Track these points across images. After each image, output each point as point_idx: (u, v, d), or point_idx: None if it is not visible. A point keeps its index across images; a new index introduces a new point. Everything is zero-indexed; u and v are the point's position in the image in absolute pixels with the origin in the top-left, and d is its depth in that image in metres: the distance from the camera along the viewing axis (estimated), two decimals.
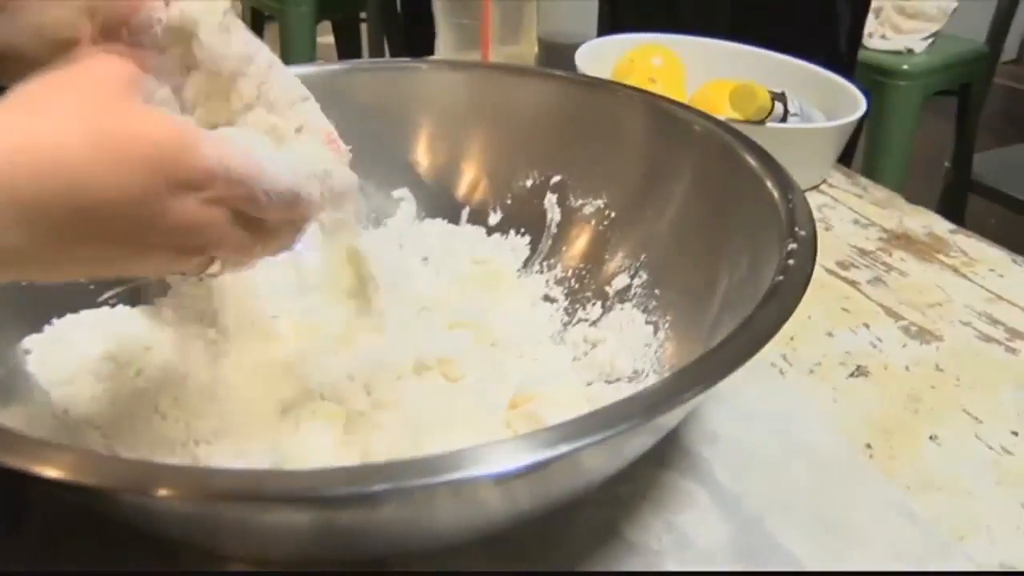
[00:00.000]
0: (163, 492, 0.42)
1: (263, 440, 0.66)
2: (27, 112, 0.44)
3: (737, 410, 0.75)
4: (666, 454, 0.69)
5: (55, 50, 0.50)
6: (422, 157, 0.96)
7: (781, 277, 0.58)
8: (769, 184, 0.70)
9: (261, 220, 0.52)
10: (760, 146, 0.74)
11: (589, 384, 0.74)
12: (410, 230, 0.94)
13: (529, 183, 0.93)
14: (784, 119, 1.11)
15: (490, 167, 0.95)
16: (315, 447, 0.65)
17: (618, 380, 0.74)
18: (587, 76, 1.05)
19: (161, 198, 0.46)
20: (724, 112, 1.08)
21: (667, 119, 0.83)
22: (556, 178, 0.91)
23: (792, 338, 0.84)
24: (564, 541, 0.62)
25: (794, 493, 0.67)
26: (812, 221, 0.65)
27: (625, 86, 0.92)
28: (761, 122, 1.09)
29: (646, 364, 0.74)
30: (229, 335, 0.74)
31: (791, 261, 0.60)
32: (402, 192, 0.95)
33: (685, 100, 1.19)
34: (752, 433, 0.73)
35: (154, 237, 0.48)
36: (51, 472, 0.43)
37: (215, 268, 0.54)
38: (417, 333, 0.76)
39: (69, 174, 0.43)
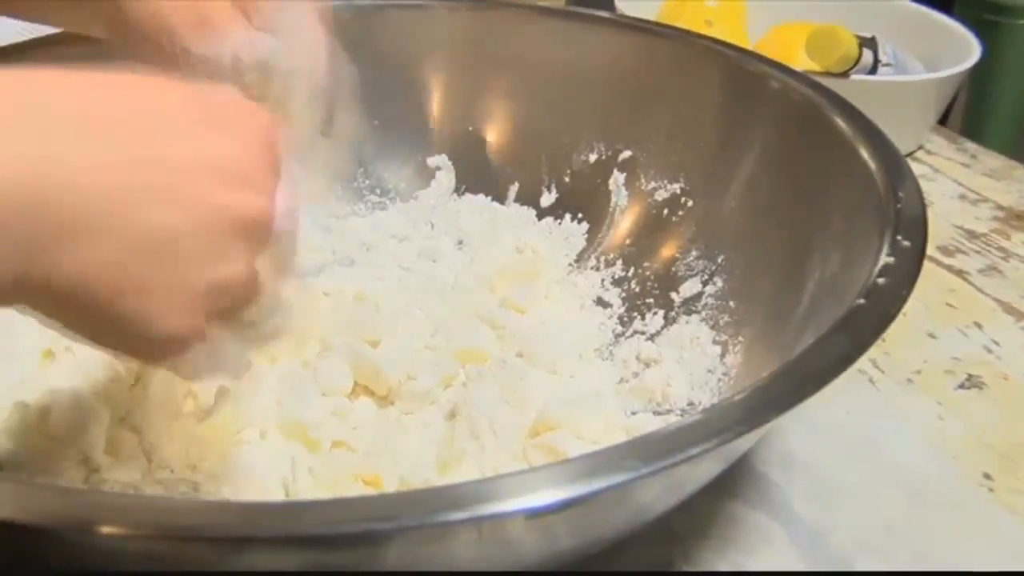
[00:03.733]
0: (110, 529, 0.38)
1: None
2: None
3: (817, 426, 0.71)
4: (730, 479, 0.66)
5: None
6: (464, 117, 0.92)
7: (889, 258, 0.55)
8: (861, 155, 0.66)
9: None
10: (856, 109, 0.70)
11: (633, 414, 0.71)
12: (445, 206, 0.91)
13: (593, 158, 0.88)
14: (874, 70, 1.05)
15: (548, 134, 0.90)
16: (270, 482, 0.63)
17: (669, 412, 0.70)
18: (663, 26, 0.98)
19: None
20: (798, 62, 1.02)
21: (754, 79, 0.79)
22: (626, 154, 0.86)
23: (884, 339, 0.76)
24: None
25: (891, 532, 0.63)
26: (920, 193, 0.61)
27: (703, 36, 0.88)
28: (845, 74, 1.02)
29: (705, 395, 0.70)
30: None
31: (891, 259, 0.56)
32: (439, 160, 0.92)
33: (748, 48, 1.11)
34: (836, 456, 0.69)
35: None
36: None
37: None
38: (421, 335, 0.74)
39: None
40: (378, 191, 0.91)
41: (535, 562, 0.52)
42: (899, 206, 0.60)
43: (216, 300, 0.45)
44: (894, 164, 0.64)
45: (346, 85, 0.65)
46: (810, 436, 0.70)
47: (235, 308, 0.48)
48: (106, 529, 0.38)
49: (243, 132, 0.46)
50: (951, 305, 0.85)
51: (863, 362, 0.74)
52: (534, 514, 0.41)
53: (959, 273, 0.89)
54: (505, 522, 0.41)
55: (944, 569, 0.61)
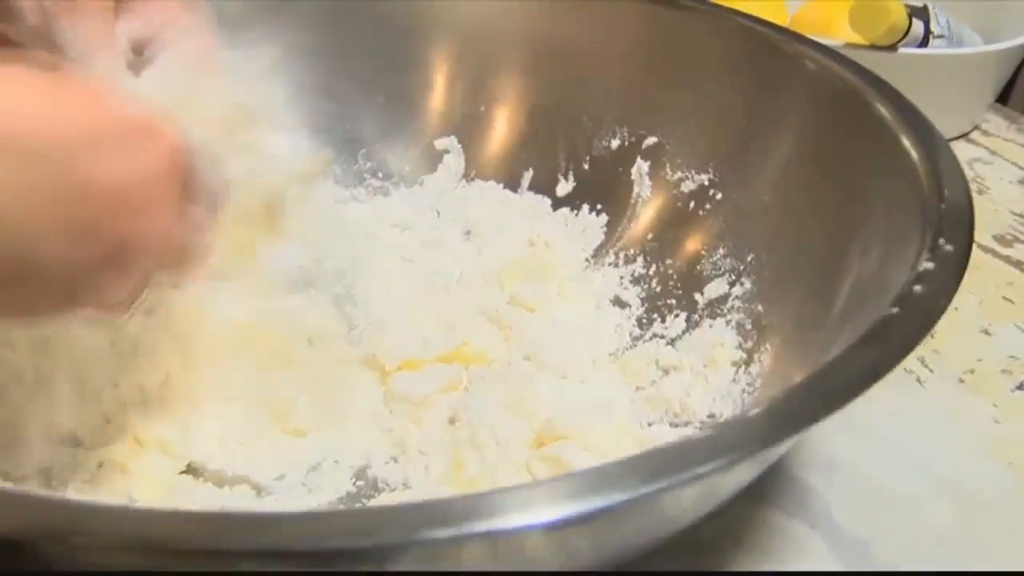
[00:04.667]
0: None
1: None
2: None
3: (860, 428, 0.69)
4: (764, 484, 0.64)
5: None
6: (475, 96, 0.89)
7: (928, 264, 0.52)
8: (904, 145, 0.63)
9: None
10: (900, 94, 0.67)
11: (648, 425, 0.69)
12: (453, 193, 0.88)
13: (615, 143, 0.85)
14: (925, 42, 1.01)
15: (566, 116, 0.87)
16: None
17: (687, 424, 0.68)
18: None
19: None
20: (841, 34, 0.99)
21: (790, 61, 0.75)
22: (651, 140, 0.83)
23: (933, 335, 0.75)
24: None
25: (941, 543, 0.62)
26: (967, 191, 0.58)
27: (736, 12, 0.83)
28: (893, 47, 0.98)
29: (727, 407, 0.67)
30: None
31: (930, 265, 0.53)
32: (447, 142, 0.89)
33: (786, 21, 1.11)
34: (881, 460, 0.68)
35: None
36: None
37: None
38: (419, 328, 0.72)
39: None
40: (380, 175, 0.88)
41: None
42: (943, 205, 0.57)
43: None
44: (940, 156, 0.61)
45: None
46: (852, 439, 0.68)
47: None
48: (88, 540, 0.36)
49: (144, 152, 0.44)
50: (1008, 299, 0.83)
51: (910, 360, 0.73)
52: (555, 528, 0.39)
53: (1017, 264, 0.87)
54: (523, 536, 0.40)
55: None
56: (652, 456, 0.41)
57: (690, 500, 0.49)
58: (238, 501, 0.61)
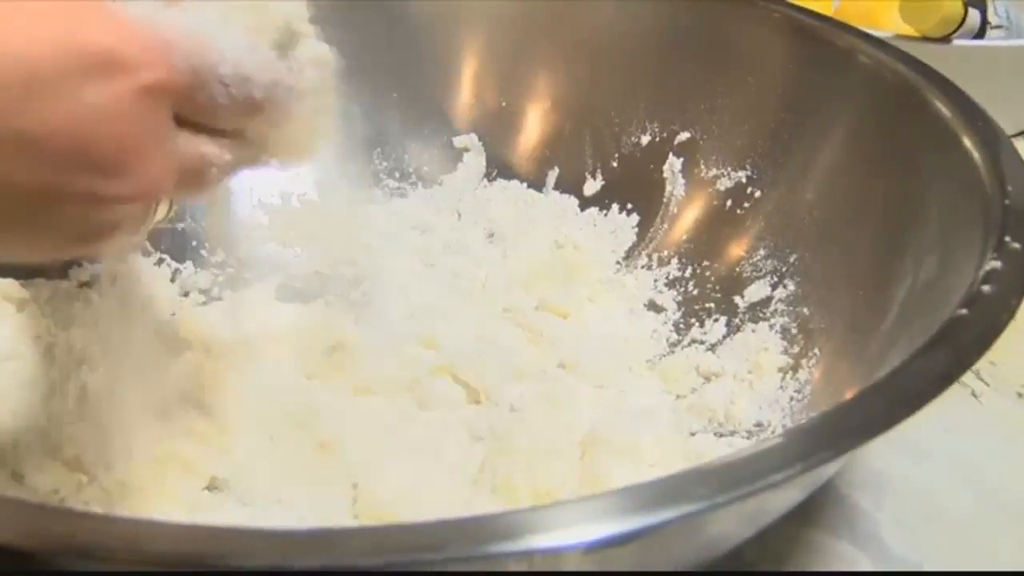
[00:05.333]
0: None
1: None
2: None
3: (911, 444, 0.68)
4: (811, 505, 0.63)
5: None
6: (497, 91, 0.87)
7: (995, 263, 0.51)
8: (963, 143, 0.61)
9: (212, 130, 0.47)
10: (959, 89, 0.66)
11: (692, 435, 0.67)
12: (474, 193, 0.86)
13: (645, 140, 0.83)
14: (981, 33, 0.99)
15: (593, 112, 0.85)
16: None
17: (733, 433, 0.67)
18: None
19: (70, 80, 0.40)
20: (891, 25, 0.98)
21: (839, 54, 0.74)
22: (683, 135, 0.81)
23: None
24: None
25: (995, 564, 0.61)
26: None
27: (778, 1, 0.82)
28: (947, 38, 0.96)
29: (775, 415, 0.66)
30: None
31: (997, 264, 0.51)
32: (467, 139, 0.87)
33: (831, 11, 1.08)
34: (933, 478, 0.67)
35: (55, 160, 0.41)
36: None
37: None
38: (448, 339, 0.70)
39: None
40: (398, 174, 0.87)
41: None
42: (1007, 202, 0.56)
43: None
44: (1002, 153, 0.60)
45: None
46: (902, 456, 0.67)
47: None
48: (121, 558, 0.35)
49: (119, 88, 0.41)
50: None
51: (965, 374, 0.72)
52: (593, 548, 0.38)
53: None
54: (560, 556, 0.38)
55: None
56: (720, 465, 0.40)
57: (741, 516, 0.47)
58: (260, 517, 0.60)
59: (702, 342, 0.74)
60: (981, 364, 0.71)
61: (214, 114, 0.46)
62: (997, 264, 0.52)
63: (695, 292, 0.77)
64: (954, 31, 0.96)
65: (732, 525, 0.49)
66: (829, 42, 0.74)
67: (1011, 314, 0.50)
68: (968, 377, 0.71)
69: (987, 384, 0.73)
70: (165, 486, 0.59)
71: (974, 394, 0.73)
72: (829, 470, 0.52)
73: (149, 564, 0.36)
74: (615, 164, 0.84)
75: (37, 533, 0.37)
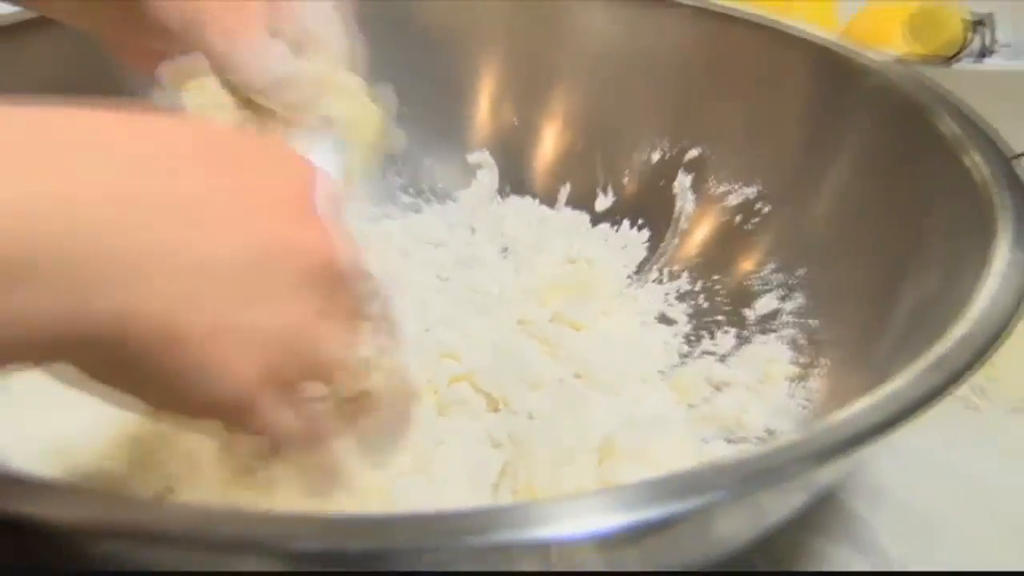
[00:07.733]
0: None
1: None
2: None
3: (911, 457, 0.68)
4: (812, 513, 0.63)
5: None
6: (510, 108, 0.89)
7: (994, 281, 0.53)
8: (969, 162, 0.63)
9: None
10: (967, 110, 0.68)
11: (704, 442, 0.69)
12: (487, 209, 0.88)
13: (656, 157, 0.86)
14: (985, 54, 1.01)
15: (605, 129, 0.88)
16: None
17: (744, 440, 0.68)
18: (739, 8, 0.96)
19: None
20: (896, 46, 0.98)
21: (849, 72, 0.76)
22: (693, 152, 0.84)
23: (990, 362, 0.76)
24: None
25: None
26: None
27: (786, 23, 0.83)
28: (951, 59, 0.99)
29: (785, 422, 0.68)
30: None
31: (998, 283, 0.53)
32: (480, 156, 0.89)
33: (837, 29, 1.09)
34: (933, 491, 0.67)
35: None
36: None
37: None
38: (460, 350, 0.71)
39: None
40: (412, 190, 0.89)
41: None
42: (1010, 218, 0.57)
43: (277, 356, 0.42)
44: (1006, 174, 0.61)
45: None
46: (901, 466, 0.68)
47: (301, 374, 0.44)
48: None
49: (283, 171, 0.44)
50: None
51: (963, 387, 0.73)
52: (607, 540, 0.40)
53: None
54: (574, 548, 0.40)
55: None
56: (736, 461, 0.42)
57: (752, 510, 0.49)
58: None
59: (713, 353, 0.75)
60: (980, 379, 0.74)
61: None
62: (998, 279, 0.53)
63: (705, 305, 0.79)
64: (958, 53, 0.98)
65: (742, 520, 0.50)
66: (839, 61, 0.76)
67: (1009, 329, 0.51)
68: (967, 390, 0.73)
69: (987, 398, 0.74)
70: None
71: (973, 408, 0.73)
72: (833, 472, 0.53)
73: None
74: (626, 181, 0.86)
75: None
